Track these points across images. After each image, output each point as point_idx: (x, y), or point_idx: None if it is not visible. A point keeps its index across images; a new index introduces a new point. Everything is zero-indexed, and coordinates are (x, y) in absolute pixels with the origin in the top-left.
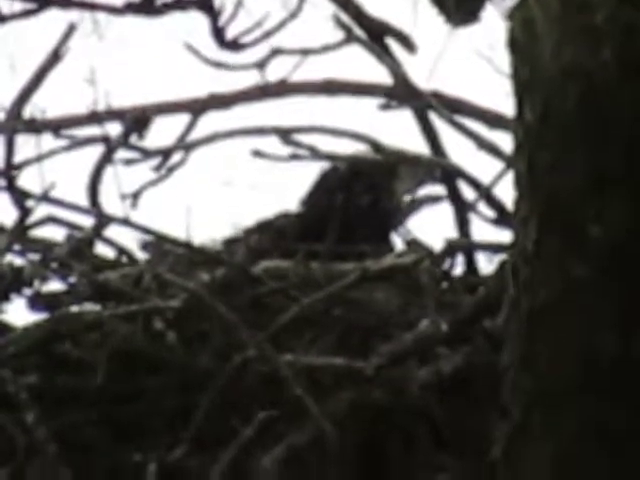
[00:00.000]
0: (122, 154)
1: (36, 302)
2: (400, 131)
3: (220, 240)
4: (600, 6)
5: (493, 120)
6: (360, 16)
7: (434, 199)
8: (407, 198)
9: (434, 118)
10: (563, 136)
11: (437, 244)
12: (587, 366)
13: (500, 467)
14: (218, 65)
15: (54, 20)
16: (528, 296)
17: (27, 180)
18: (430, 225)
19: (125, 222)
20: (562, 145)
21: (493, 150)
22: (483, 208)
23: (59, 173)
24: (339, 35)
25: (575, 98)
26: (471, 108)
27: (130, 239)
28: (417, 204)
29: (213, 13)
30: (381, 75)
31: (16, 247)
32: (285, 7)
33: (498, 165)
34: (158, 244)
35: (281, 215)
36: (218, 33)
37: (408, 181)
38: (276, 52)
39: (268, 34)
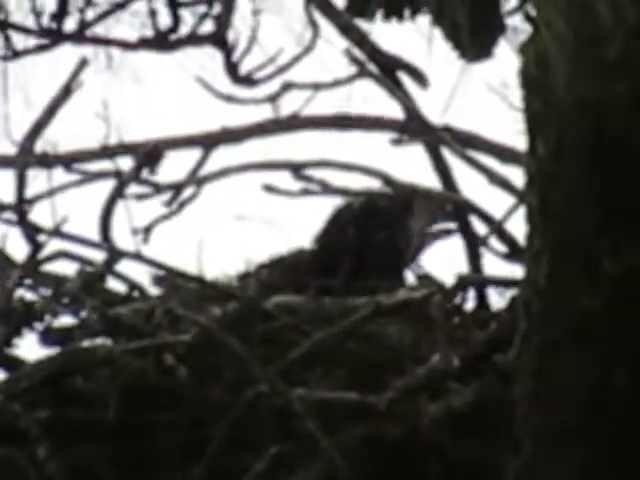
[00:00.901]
0: (134, 189)
1: (47, 337)
2: (412, 166)
3: (232, 275)
4: (613, 40)
5: (505, 155)
6: (373, 51)
7: (446, 233)
8: (420, 234)
9: (446, 153)
10: (577, 170)
11: (449, 279)
12: (599, 398)
13: None
14: (230, 99)
15: (68, 54)
16: (539, 330)
17: (39, 214)
18: (442, 260)
19: (136, 257)
20: (576, 179)
21: (505, 185)
22: (495, 243)
23: (71, 207)
24: (352, 70)
25: (589, 132)
26: (483, 143)
27: (142, 273)
28: (429, 239)
29: (227, 48)
30: (393, 110)
31: (27, 282)
32: (299, 43)
33: (510, 200)
34: (170, 279)
35: (295, 251)
36: (232, 68)
37: (422, 218)
38: (288, 86)
39: (281, 69)
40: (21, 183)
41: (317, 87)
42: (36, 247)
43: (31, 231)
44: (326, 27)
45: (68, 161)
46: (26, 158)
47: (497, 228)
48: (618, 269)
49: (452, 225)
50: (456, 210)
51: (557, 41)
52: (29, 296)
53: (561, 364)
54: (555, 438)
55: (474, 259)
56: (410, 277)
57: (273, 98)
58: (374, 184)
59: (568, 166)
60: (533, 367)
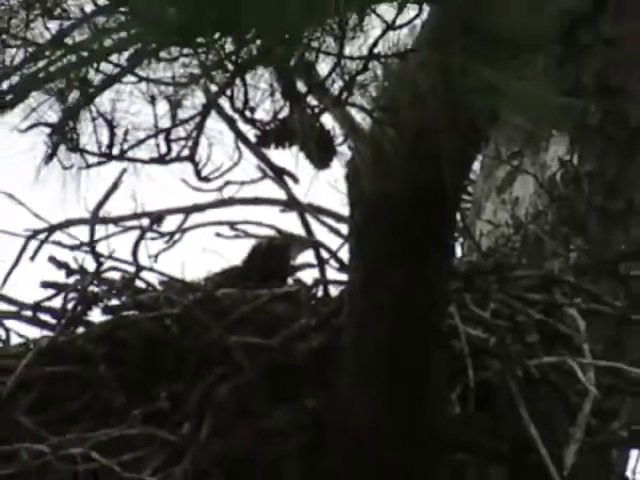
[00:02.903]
0: (149, 235)
1: (105, 311)
2: (292, 223)
3: (199, 277)
4: (393, 158)
5: (339, 219)
6: (267, 161)
7: (307, 263)
8: (296, 260)
9: (309, 218)
10: (375, 233)
11: (309, 280)
12: (389, 353)
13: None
14: (197, 189)
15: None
16: (356, 309)
17: (100, 248)
18: (305, 272)
19: (151, 269)
20: (374, 235)
21: (338, 233)
22: (333, 263)
23: (114, 245)
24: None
25: (381, 219)
26: (329, 212)
27: (154, 278)
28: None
29: (195, 163)
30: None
31: (95, 282)
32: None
33: (341, 240)
34: (169, 281)
35: (232, 266)
36: (198, 173)
37: (296, 250)
38: (227, 183)
39: (224, 173)
40: (92, 231)
41: (242, 183)
42: (99, 264)
43: (97, 256)
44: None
45: (116, 220)
46: (93, 220)
47: (334, 254)
48: (399, 274)
49: (310, 254)
50: (313, 246)
51: (362, 159)
52: (96, 289)
53: (367, 331)
54: (360, 378)
55: (322, 270)
56: (290, 281)
57: (220, 189)
58: (272, 233)
59: (371, 230)
60: (352, 330)
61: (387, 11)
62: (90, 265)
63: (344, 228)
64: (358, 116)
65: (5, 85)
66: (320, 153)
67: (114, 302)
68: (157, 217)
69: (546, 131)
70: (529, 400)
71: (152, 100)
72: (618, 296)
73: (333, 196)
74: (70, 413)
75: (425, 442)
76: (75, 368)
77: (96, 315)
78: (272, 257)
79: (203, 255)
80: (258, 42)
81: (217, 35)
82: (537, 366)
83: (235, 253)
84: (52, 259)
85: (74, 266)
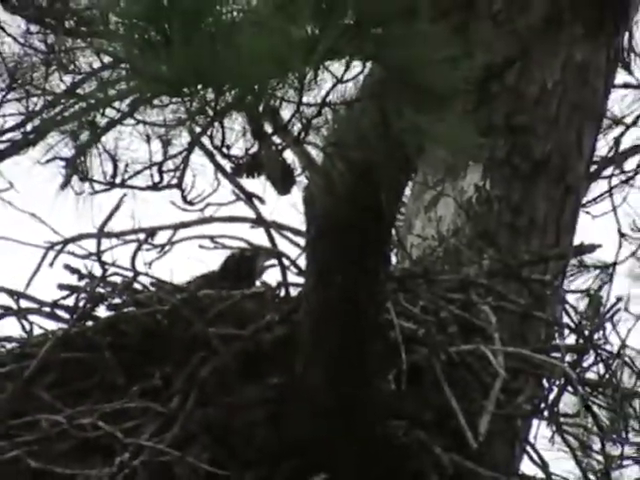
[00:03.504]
0: (145, 247)
1: (109, 307)
2: (259, 237)
3: (186, 281)
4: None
5: (300, 233)
6: (240, 188)
7: (271, 265)
8: (261, 266)
9: (274, 233)
10: (321, 251)
11: (273, 282)
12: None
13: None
14: (184, 210)
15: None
16: (310, 304)
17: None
18: (271, 276)
19: (146, 275)
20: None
21: (298, 245)
22: (293, 269)
23: (117, 255)
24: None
25: (331, 233)
26: (289, 228)
27: (148, 282)
28: (265, 268)
29: (182, 189)
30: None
31: (101, 285)
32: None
33: (299, 250)
34: (160, 284)
35: (210, 272)
36: (184, 198)
37: (263, 259)
38: (208, 205)
39: (207, 196)
40: (99, 243)
41: (220, 205)
42: (104, 271)
43: (102, 264)
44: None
45: (118, 234)
46: (100, 234)
47: (294, 262)
48: (345, 277)
49: (274, 261)
50: (277, 255)
51: (317, 187)
52: (102, 290)
53: (319, 323)
54: (314, 361)
55: (284, 275)
56: (257, 283)
57: (202, 209)
58: (244, 245)
59: (322, 243)
60: (308, 323)
61: (337, 68)
62: (97, 271)
63: (302, 241)
64: (313, 152)
65: (29, 127)
66: (283, 181)
67: (116, 301)
68: (151, 232)
69: (464, 162)
70: (450, 379)
71: (147, 139)
72: (522, 295)
73: (293, 215)
74: (81, 390)
75: (367, 411)
76: (85, 354)
77: (102, 311)
78: (243, 264)
79: (188, 263)
80: (233, 92)
81: (199, 87)
82: (457, 352)
83: (214, 261)
84: (67, 266)
85: (84, 272)
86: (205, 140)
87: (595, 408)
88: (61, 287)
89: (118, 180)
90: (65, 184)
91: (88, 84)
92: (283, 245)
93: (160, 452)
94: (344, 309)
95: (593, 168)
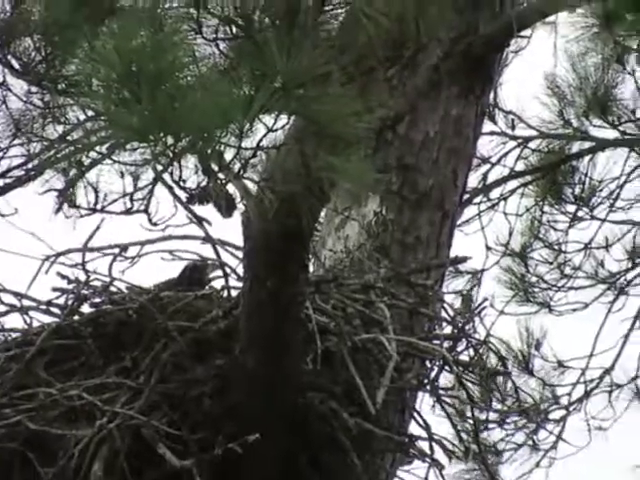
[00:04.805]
0: (120, 258)
1: (92, 305)
2: (208, 251)
3: (152, 284)
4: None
5: (239, 248)
6: (193, 213)
7: (218, 276)
8: (209, 274)
9: (219, 247)
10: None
11: (219, 286)
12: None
13: None
14: (150, 230)
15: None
16: (248, 303)
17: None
18: (217, 281)
19: (121, 280)
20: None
21: (238, 258)
22: (233, 275)
23: (100, 264)
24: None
25: (263, 247)
26: (231, 244)
27: (122, 285)
28: (212, 278)
29: (148, 213)
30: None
31: (87, 287)
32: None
33: (236, 262)
34: (131, 287)
35: (171, 278)
36: (150, 219)
37: (211, 269)
38: (168, 226)
39: (167, 219)
40: (84, 256)
41: (184, 224)
42: (88, 277)
43: (86, 272)
44: None
45: (98, 249)
46: (84, 249)
47: (234, 270)
48: (273, 282)
49: (219, 271)
50: (221, 265)
51: (259, 209)
52: (86, 292)
53: (253, 318)
54: (249, 346)
55: (226, 280)
56: (207, 287)
57: (164, 229)
58: (196, 257)
59: (256, 255)
60: (245, 317)
61: (268, 120)
62: (82, 277)
63: (240, 254)
64: (250, 185)
65: (30, 165)
66: (226, 208)
67: (97, 300)
68: (124, 247)
69: (365, 194)
70: (355, 361)
71: (122, 175)
72: (410, 296)
73: (234, 234)
74: (69, 369)
75: (290, 385)
76: (73, 341)
77: (86, 308)
78: (196, 272)
79: (153, 271)
80: (188, 139)
81: (162, 134)
82: (360, 340)
83: (173, 270)
84: (58, 273)
85: (72, 278)
86: (166, 176)
87: (467, 383)
88: (54, 290)
89: (99, 207)
90: (58, 210)
91: (76, 132)
92: (226, 257)
93: (131, 417)
94: (272, 306)
95: (466, 197)
